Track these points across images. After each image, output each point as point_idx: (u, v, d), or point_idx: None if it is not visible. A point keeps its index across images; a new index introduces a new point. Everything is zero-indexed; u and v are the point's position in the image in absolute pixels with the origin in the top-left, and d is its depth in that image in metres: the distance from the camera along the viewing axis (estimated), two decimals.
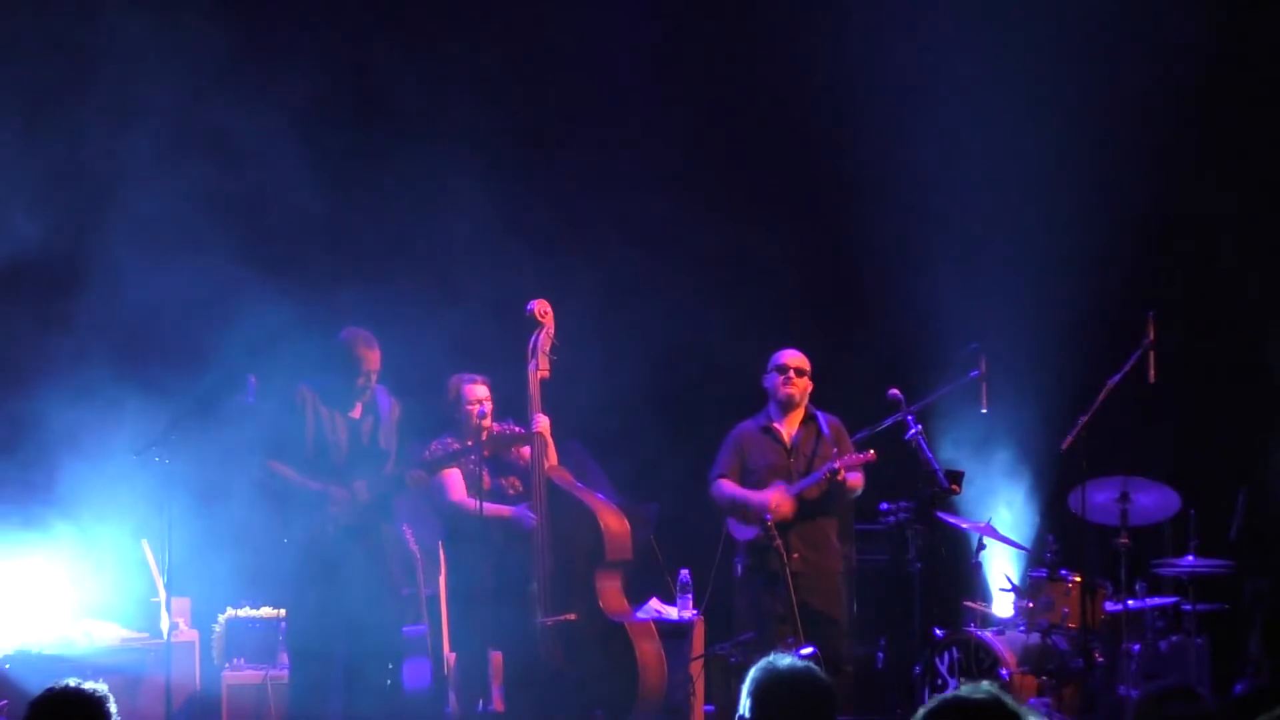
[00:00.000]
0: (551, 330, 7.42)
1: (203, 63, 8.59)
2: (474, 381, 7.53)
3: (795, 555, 7.64)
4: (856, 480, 7.75)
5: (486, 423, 7.37)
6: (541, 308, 7.44)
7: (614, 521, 7.39)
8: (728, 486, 7.89)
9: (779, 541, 7.39)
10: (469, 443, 7.37)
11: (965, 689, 3.19)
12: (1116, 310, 8.94)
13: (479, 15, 9.73)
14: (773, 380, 7.95)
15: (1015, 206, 9.58)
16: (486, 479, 7.38)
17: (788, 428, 7.93)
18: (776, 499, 7.67)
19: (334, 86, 8.95)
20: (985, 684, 3.17)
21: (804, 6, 9.75)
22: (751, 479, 7.86)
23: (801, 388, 7.91)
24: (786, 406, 7.92)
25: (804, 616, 7.53)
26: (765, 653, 3.80)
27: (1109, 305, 9.25)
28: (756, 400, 8.19)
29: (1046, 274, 9.41)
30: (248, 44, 8.78)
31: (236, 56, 8.66)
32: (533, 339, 7.42)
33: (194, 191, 8.49)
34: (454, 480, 7.47)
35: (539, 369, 7.38)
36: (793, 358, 7.93)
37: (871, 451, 7.63)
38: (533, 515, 7.31)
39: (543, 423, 7.36)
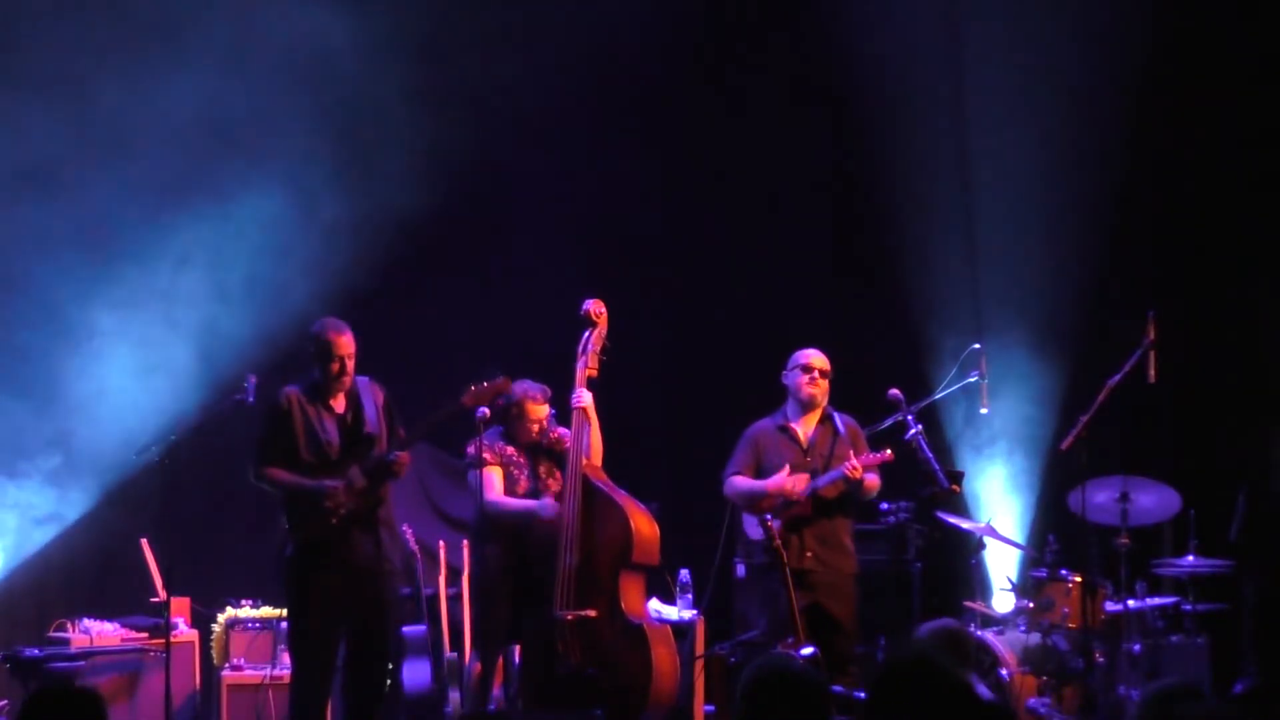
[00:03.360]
0: (604, 331, 7.42)
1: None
2: (536, 400, 7.51)
3: (809, 554, 7.58)
4: (874, 482, 7.67)
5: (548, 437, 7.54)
6: (596, 308, 7.44)
7: (645, 525, 7.38)
8: (741, 482, 7.77)
9: (778, 542, 7.35)
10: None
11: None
12: (1116, 310, 8.93)
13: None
14: (795, 379, 7.82)
15: (1016, 206, 9.58)
16: (525, 482, 7.47)
17: (804, 427, 7.82)
18: (790, 482, 7.60)
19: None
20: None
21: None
22: (767, 478, 7.79)
23: (824, 389, 7.81)
24: (807, 406, 7.81)
25: (814, 616, 7.50)
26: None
27: (1109, 305, 9.25)
28: (757, 399, 8.15)
29: (1047, 274, 9.40)
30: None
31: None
32: (585, 337, 7.43)
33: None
34: (492, 480, 7.47)
35: (587, 367, 7.40)
36: (817, 358, 7.80)
37: (889, 451, 7.53)
38: (553, 504, 7.33)
39: (585, 398, 7.38)
